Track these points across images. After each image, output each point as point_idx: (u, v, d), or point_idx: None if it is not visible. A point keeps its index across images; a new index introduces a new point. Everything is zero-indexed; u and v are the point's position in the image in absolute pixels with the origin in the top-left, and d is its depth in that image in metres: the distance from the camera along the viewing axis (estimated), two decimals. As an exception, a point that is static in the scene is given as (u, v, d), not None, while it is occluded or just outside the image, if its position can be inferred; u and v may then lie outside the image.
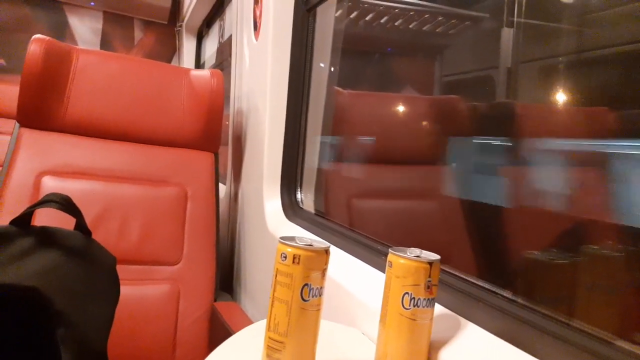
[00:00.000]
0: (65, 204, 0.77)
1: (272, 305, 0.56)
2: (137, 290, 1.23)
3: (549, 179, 0.85)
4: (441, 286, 0.68)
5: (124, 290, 1.23)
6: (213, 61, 2.83)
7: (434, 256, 0.58)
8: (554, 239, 0.78)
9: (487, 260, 0.93)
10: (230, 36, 1.83)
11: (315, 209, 1.31)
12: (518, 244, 0.87)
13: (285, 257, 0.55)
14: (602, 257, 0.67)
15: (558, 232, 0.79)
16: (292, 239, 0.58)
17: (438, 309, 0.65)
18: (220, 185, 1.73)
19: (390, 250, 0.59)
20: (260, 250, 1.36)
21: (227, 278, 1.59)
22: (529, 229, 0.87)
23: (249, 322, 1.17)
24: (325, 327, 0.74)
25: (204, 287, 1.27)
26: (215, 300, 1.29)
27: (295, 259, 0.55)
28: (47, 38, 1.30)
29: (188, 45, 3.13)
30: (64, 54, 1.35)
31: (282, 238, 0.57)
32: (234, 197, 1.64)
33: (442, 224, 1.22)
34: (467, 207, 1.12)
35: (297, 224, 1.20)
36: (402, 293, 0.57)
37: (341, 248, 0.97)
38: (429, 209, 1.33)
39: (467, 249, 1.07)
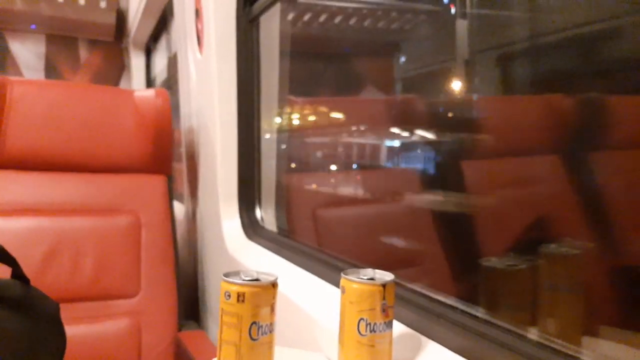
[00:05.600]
0: (-4, 253, 0.71)
1: (220, 348, 0.53)
2: (94, 328, 1.16)
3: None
4: (400, 302, 0.65)
5: (81, 329, 1.19)
6: (165, 75, 2.75)
7: (389, 276, 0.56)
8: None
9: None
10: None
11: (278, 227, 1.27)
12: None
13: (230, 296, 0.52)
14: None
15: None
16: (236, 274, 0.55)
17: (398, 327, 0.63)
18: (179, 205, 1.68)
19: (342, 274, 0.56)
20: (222, 274, 1.31)
21: (193, 304, 1.53)
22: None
23: (216, 350, 1.12)
24: (288, 355, 0.71)
25: (166, 317, 1.22)
26: (179, 330, 1.24)
27: (240, 297, 0.51)
28: (-25, 71, 1.23)
29: (137, 62, 3.04)
30: (-5, 85, 1.27)
31: (225, 275, 0.54)
32: (192, 218, 1.59)
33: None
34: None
35: (259, 244, 1.16)
36: (358, 319, 0.54)
37: (304, 268, 0.94)
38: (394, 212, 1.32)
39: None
